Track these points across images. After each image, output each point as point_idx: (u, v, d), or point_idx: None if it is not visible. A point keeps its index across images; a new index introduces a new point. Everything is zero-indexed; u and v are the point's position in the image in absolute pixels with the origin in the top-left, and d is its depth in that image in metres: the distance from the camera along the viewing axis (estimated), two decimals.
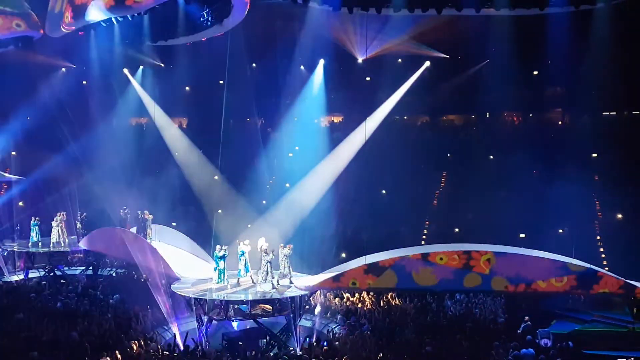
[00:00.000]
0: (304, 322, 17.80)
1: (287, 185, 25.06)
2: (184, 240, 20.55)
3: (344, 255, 19.83)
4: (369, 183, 25.35)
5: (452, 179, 25.44)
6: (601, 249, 20.31)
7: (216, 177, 26.19)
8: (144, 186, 25.05)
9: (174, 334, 16.68)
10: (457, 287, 15.77)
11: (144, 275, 19.51)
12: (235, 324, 17.25)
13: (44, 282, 20.70)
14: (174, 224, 23.22)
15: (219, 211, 24.43)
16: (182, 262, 18.86)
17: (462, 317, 17.13)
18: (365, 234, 22.05)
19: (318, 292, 18.42)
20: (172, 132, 26.95)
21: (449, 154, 26.37)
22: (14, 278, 21.97)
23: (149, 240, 19.70)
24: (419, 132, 27.20)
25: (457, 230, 22.32)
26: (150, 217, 20.47)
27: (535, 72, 24.94)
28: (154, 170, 26.56)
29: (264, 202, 24.80)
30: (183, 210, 25.05)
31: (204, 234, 22.38)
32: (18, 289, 20.12)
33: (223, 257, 17.02)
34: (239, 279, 17.30)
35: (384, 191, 25.08)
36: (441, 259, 15.22)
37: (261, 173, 25.52)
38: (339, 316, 18.03)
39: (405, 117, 27.40)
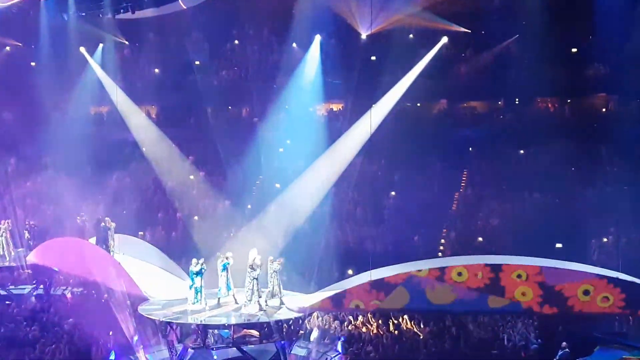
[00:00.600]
0: (298, 351, 17.81)
1: (277, 186, 25.07)
2: (153, 253, 20.57)
3: (350, 272, 19.82)
4: (375, 183, 25.39)
5: (475, 178, 25.39)
6: None
7: (192, 177, 26.26)
8: (105, 188, 25.08)
9: None
10: (480, 307, 15.73)
11: (105, 295, 19.41)
12: (215, 354, 17.20)
13: None
14: (141, 233, 23.14)
15: (195, 218, 24.48)
16: (150, 278, 18.87)
17: (487, 343, 17.12)
18: (371, 245, 22.20)
19: (315, 314, 18.40)
20: (138, 122, 26.91)
21: (470, 148, 26.33)
22: None
23: (111, 253, 19.69)
24: (435, 122, 27.11)
25: (480, 239, 22.36)
26: (113, 225, 20.44)
27: (575, 50, 25.01)
28: (117, 169, 26.58)
29: (249, 206, 24.79)
30: (152, 217, 25.08)
31: (177, 246, 22.41)
32: None
33: (200, 273, 16.99)
34: (219, 298, 17.28)
35: (392, 193, 25.08)
36: (460, 274, 15.22)
37: (246, 172, 25.53)
38: (339, 343, 18.10)
39: (419, 105, 27.39)
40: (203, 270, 17.06)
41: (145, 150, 26.61)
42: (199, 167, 26.63)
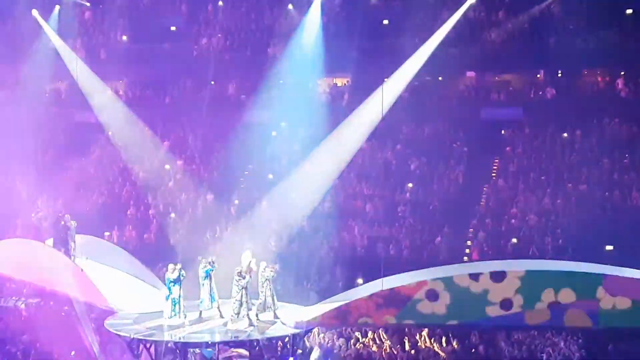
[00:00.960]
0: None
1: (270, 177, 25.17)
2: (122, 257, 20.58)
3: (359, 281, 19.94)
4: (388, 174, 25.39)
5: (508, 166, 25.32)
6: None
7: (167, 167, 26.37)
8: (64, 180, 25.14)
9: None
10: (515, 322, 15.87)
11: (66, 307, 19.53)
12: None
13: None
14: (107, 233, 23.29)
15: (172, 215, 24.62)
16: (119, 287, 18.81)
17: None
18: (383, 248, 22.25)
19: (315, 330, 18.38)
20: (103, 100, 27.01)
21: (502, 131, 26.29)
22: None
23: (71, 257, 19.80)
24: (460, 100, 27.16)
25: (514, 240, 22.45)
26: (74, 223, 20.53)
27: (630, 11, 25.01)
28: (79, 157, 26.69)
29: (236, 201, 24.88)
30: (120, 214, 25.15)
31: (150, 248, 22.48)
32: None
33: (178, 281, 17.05)
34: (201, 311, 17.42)
35: (409, 185, 25.10)
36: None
37: (232, 161, 25.60)
38: None
39: (440, 78, 27.37)
40: (182, 277, 17.10)
41: (111, 134, 26.76)
42: (175, 154, 26.76)
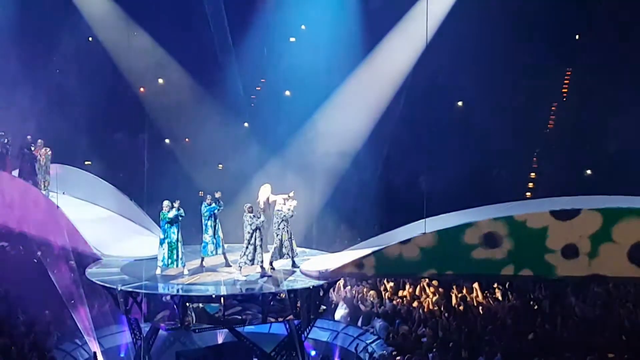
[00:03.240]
0: (319, 334, 18.08)
1: (287, 94, 25.06)
2: (107, 192, 20.65)
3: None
4: (434, 90, 24.83)
5: (584, 80, 24.95)
6: None
7: (161, 80, 26.18)
8: (31, 91, 24.82)
9: (93, 353, 16.83)
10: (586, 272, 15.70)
11: (39, 253, 19.65)
12: (197, 338, 17.43)
13: None
14: (88, 162, 23.25)
15: (166, 141, 24.54)
16: (103, 229, 18.96)
17: (596, 324, 17.17)
18: (425, 182, 22.12)
19: (341, 282, 18.50)
20: None
21: (577, 36, 25.81)
22: None
23: (44, 192, 19.83)
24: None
25: (589, 172, 22.19)
26: (48, 151, 20.49)
27: None
28: (54, 56, 26.48)
29: (245, 124, 24.85)
30: (105, 137, 25.31)
31: (138, 180, 22.35)
32: None
33: (176, 222, 17.05)
34: (203, 258, 17.45)
35: (459, 103, 24.80)
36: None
37: (241, 71, 25.36)
38: (379, 324, 18.19)
39: None
40: (180, 217, 17.11)
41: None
42: (176, 57, 26.15)
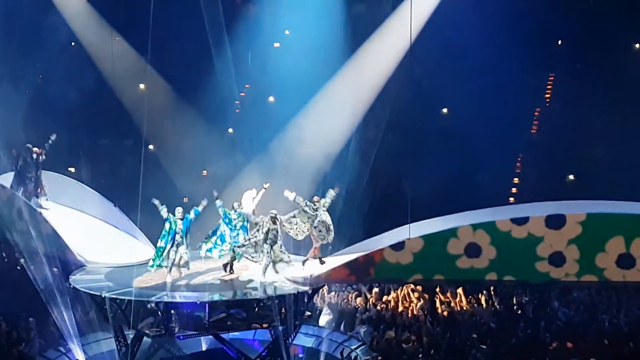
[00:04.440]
0: (303, 340, 18.03)
1: (271, 100, 25.04)
2: (91, 198, 20.59)
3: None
4: (418, 97, 24.59)
5: (567, 85, 25.10)
6: None
7: (142, 86, 26.09)
8: (13, 97, 24.68)
9: None
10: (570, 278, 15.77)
11: (21, 260, 19.58)
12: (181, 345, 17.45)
13: None
14: (71, 169, 23.25)
15: (150, 147, 24.53)
16: (87, 235, 18.98)
17: (580, 326, 17.30)
18: (409, 187, 22.11)
19: (326, 287, 18.54)
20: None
21: (559, 41, 25.89)
22: None
23: (44, 197, 19.68)
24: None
25: (571, 177, 22.26)
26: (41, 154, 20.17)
27: None
28: (41, 56, 26.46)
29: (230, 130, 24.82)
30: (90, 143, 25.32)
31: (122, 187, 22.31)
32: None
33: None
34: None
35: (444, 110, 24.85)
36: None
37: (224, 78, 25.26)
38: (363, 329, 18.19)
39: None
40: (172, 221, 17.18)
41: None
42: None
